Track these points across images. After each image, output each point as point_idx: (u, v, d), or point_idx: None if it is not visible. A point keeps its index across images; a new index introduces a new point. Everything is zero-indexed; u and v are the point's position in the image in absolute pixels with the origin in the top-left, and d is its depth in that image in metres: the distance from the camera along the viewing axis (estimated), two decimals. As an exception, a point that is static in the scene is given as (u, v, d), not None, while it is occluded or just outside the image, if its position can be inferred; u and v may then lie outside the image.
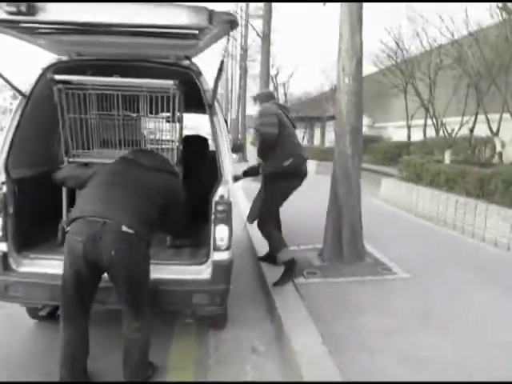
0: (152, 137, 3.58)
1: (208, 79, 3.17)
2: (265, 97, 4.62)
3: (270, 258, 4.69)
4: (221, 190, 2.97)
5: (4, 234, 2.93)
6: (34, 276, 2.90)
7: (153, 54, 3.08)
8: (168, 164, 3.01)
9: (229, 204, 2.96)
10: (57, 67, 3.14)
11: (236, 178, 4.45)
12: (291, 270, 4.27)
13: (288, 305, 3.75)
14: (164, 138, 3.59)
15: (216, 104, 3.12)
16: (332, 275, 4.44)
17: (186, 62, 3.07)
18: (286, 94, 26.58)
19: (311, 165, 15.21)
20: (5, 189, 2.95)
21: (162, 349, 3.23)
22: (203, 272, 3.01)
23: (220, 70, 2.66)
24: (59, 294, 2.53)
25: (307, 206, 7.23)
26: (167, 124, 3.49)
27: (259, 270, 4.82)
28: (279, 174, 4.29)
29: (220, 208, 2.94)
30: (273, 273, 4.52)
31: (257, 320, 3.79)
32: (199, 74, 3.07)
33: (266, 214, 4.44)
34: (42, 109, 3.20)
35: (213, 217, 2.95)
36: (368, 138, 16.99)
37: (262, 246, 5.24)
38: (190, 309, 3.06)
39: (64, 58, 3.17)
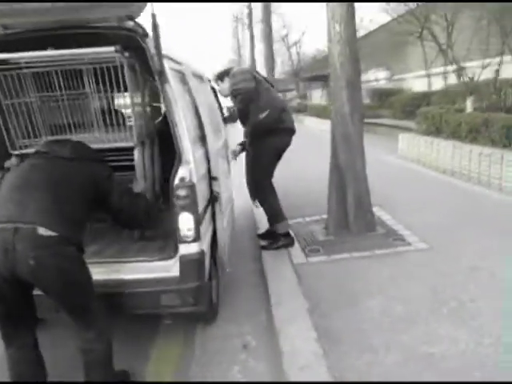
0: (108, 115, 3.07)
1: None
2: (226, 72, 4.07)
3: (270, 235, 4.30)
4: (181, 172, 2.51)
5: None
6: None
7: (93, 17, 2.56)
8: (90, 151, 2.54)
9: (191, 187, 2.51)
10: None
11: (234, 153, 4.10)
12: (284, 243, 4.16)
13: (283, 291, 3.33)
14: (125, 114, 3.12)
15: (170, 69, 2.60)
16: (337, 251, 3.96)
17: (130, 24, 2.54)
18: (298, 54, 25.46)
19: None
20: None
21: (142, 353, 2.90)
22: (171, 268, 2.59)
23: (154, 26, 2.15)
24: None
25: (318, 168, 6.66)
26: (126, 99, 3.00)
27: (258, 249, 4.38)
28: (261, 131, 3.96)
29: (181, 193, 2.49)
30: (271, 253, 4.11)
31: (251, 309, 3.37)
32: (145, 36, 2.54)
33: (260, 177, 4.07)
34: None
35: (175, 204, 2.50)
36: (387, 91, 16.17)
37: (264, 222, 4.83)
38: (160, 311, 2.65)
39: None
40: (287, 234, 4.21)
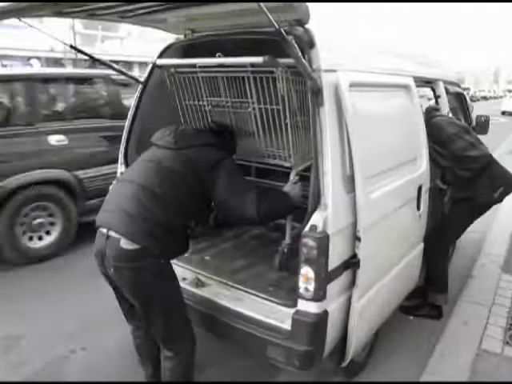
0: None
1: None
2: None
3: (420, 295, 3.46)
4: (314, 218, 2.05)
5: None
6: None
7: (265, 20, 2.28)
8: (201, 136, 2.30)
9: (322, 239, 2.03)
10: (173, 49, 2.77)
11: None
12: (429, 314, 3.40)
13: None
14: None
15: (332, 88, 2.10)
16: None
17: (298, 30, 2.12)
18: None
19: None
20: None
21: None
22: (286, 320, 2.22)
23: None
24: None
25: None
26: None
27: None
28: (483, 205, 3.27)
29: (309, 243, 2.05)
30: (463, 316, 3.26)
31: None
32: (310, 45, 2.09)
33: (448, 239, 3.40)
34: (163, 96, 2.88)
35: (300, 252, 2.09)
36: None
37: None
38: (265, 360, 2.31)
39: (181, 38, 2.76)
40: (437, 306, 3.40)
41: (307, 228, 2.06)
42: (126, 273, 2.00)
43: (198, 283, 2.63)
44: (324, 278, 2.08)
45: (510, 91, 43.69)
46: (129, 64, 29.23)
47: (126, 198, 2.09)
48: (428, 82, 3.55)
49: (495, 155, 3.31)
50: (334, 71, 2.11)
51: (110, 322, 3.10)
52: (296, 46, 1.82)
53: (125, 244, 1.96)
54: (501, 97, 40.08)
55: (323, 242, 2.03)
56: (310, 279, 2.08)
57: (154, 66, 2.79)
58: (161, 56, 2.78)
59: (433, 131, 3.00)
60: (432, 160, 3.02)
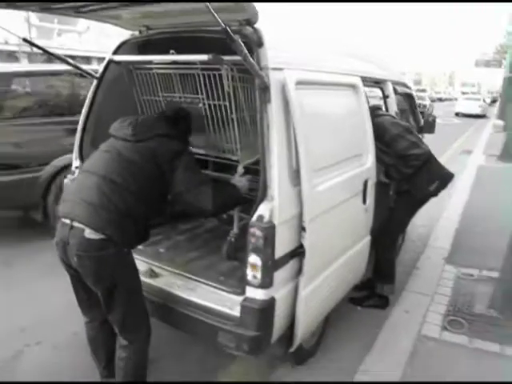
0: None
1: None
2: None
3: (368, 288, 3.66)
4: (261, 209, 2.16)
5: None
6: None
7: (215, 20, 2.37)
8: (159, 126, 2.32)
9: (269, 229, 2.13)
10: (128, 45, 2.81)
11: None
12: (376, 304, 3.56)
13: (382, 362, 2.79)
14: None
15: (279, 86, 2.21)
16: (486, 336, 3.04)
17: (247, 30, 2.22)
18: None
19: None
20: (77, 173, 2.82)
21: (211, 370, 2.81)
22: (236, 307, 2.31)
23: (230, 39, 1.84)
24: None
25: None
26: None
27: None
28: (421, 198, 3.50)
29: (256, 233, 2.15)
30: (404, 305, 3.46)
31: (345, 365, 2.84)
32: (258, 44, 2.19)
33: (395, 231, 3.62)
34: (118, 91, 2.92)
35: (248, 242, 2.19)
36: None
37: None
38: (217, 346, 2.40)
39: (136, 34, 2.80)
40: (384, 296, 3.59)
41: (254, 218, 2.16)
42: (90, 261, 2.04)
43: (152, 274, 2.68)
44: (271, 266, 2.18)
45: (463, 93, 45.39)
46: (87, 59, 28.55)
47: (87, 188, 2.13)
48: (377, 82, 3.72)
49: (447, 155, 3.52)
50: (281, 69, 2.21)
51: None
52: (242, 44, 1.91)
53: (89, 234, 2.01)
54: (456, 99, 41.58)
55: (270, 231, 2.13)
56: (257, 267, 2.17)
57: (110, 61, 2.83)
58: (116, 52, 2.81)
59: (377, 130, 3.15)
60: (376, 157, 3.18)
